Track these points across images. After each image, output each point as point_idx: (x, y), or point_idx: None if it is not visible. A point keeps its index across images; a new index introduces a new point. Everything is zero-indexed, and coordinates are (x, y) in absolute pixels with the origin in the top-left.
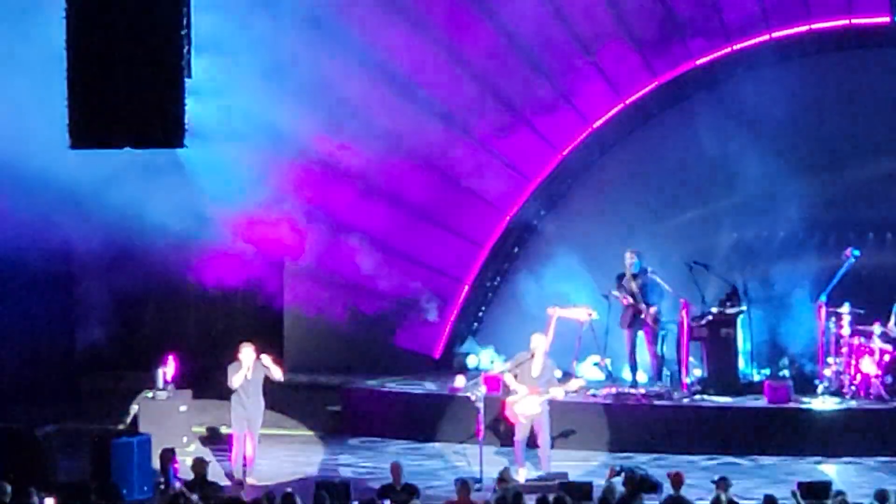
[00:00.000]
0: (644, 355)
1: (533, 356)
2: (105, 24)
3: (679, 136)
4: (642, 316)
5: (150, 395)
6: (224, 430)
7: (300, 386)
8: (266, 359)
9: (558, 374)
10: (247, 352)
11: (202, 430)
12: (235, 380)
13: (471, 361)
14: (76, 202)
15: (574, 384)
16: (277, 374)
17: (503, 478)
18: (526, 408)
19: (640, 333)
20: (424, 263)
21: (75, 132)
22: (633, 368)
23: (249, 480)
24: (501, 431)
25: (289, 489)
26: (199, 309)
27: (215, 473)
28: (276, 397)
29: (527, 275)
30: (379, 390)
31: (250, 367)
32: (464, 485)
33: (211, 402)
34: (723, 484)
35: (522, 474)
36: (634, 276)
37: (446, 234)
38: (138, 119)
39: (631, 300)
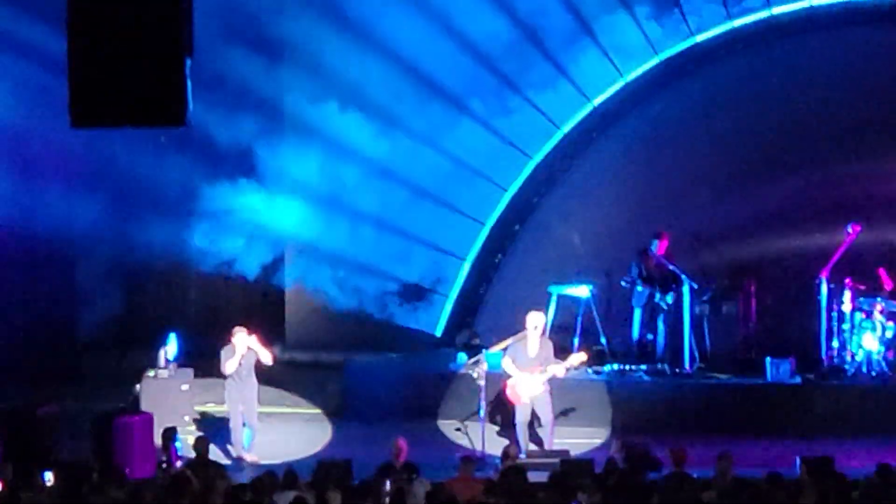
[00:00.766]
0: (650, 334)
1: (530, 335)
2: (106, 1)
3: (682, 112)
4: (656, 298)
5: (152, 374)
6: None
7: (301, 364)
8: (255, 343)
9: (555, 363)
10: (240, 337)
11: (204, 409)
12: (228, 366)
13: (473, 339)
14: (77, 181)
15: (574, 359)
16: (266, 357)
17: (507, 453)
18: (527, 388)
19: (651, 313)
20: (425, 241)
21: (76, 110)
22: (640, 346)
23: (250, 458)
24: (499, 419)
25: (290, 467)
26: (201, 288)
27: (225, 453)
28: (278, 375)
29: (528, 252)
30: (381, 368)
31: (243, 353)
32: (466, 463)
33: (213, 380)
34: (725, 459)
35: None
36: (654, 258)
37: (447, 212)
38: (139, 97)
39: (645, 283)
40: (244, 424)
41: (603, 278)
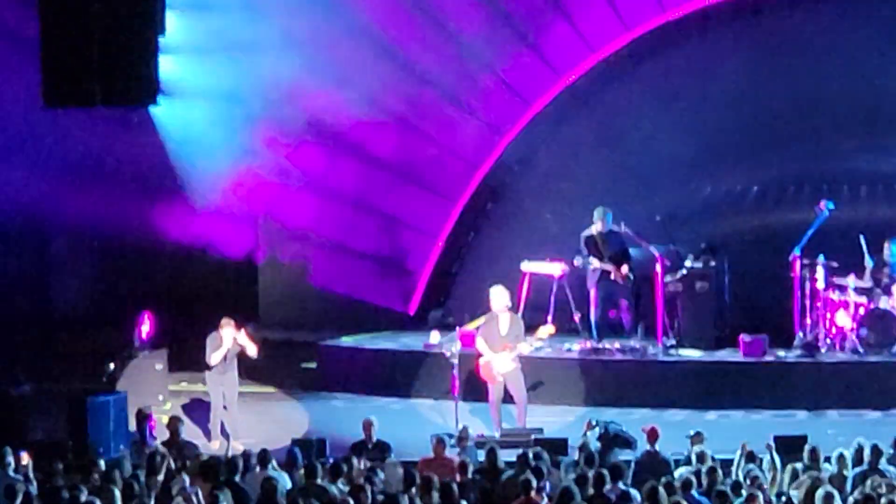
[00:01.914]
0: (612, 312)
1: (499, 314)
2: None
3: (652, 90)
4: (611, 276)
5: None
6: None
7: (275, 343)
8: (243, 336)
9: (524, 342)
10: (227, 331)
11: (179, 387)
12: (214, 357)
13: (433, 338)
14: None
15: (543, 332)
16: (252, 351)
17: (462, 436)
18: (499, 365)
19: (611, 291)
20: (398, 220)
21: (48, 91)
22: (597, 326)
23: (235, 445)
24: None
25: (264, 447)
26: (175, 267)
27: (194, 433)
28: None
29: (500, 230)
30: (354, 347)
31: (229, 346)
32: (439, 442)
33: (187, 359)
34: (697, 438)
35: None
36: (603, 235)
37: (420, 191)
38: (111, 77)
39: (598, 263)
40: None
41: (576, 255)
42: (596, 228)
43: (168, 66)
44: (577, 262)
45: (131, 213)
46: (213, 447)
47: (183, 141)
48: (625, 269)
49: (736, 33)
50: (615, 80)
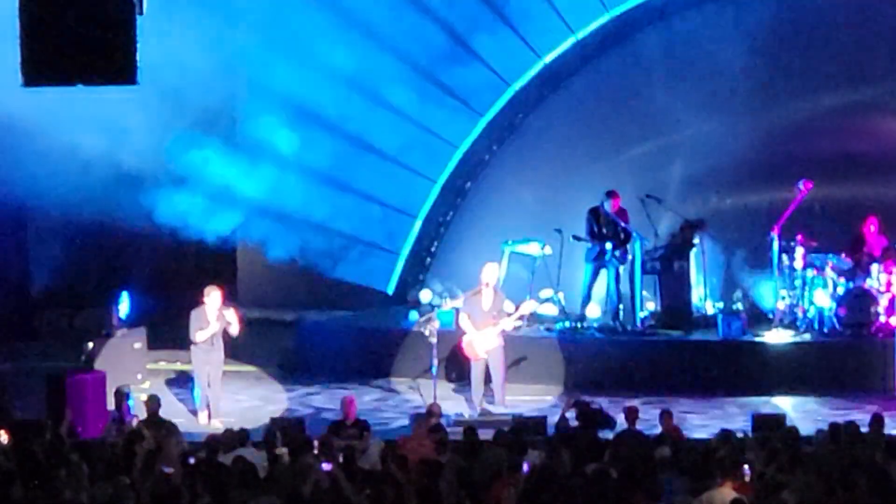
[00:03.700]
0: (601, 291)
1: (483, 289)
2: None
3: (630, 70)
4: (608, 255)
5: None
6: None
7: (253, 322)
8: (230, 313)
9: (510, 307)
10: (214, 296)
11: (158, 367)
12: (199, 335)
13: (424, 296)
14: (28, 141)
15: (525, 308)
16: (235, 329)
17: (431, 411)
18: (482, 342)
19: (604, 270)
20: (376, 199)
21: (27, 70)
22: (585, 303)
23: (215, 423)
24: (454, 376)
25: (244, 426)
26: (153, 246)
27: (177, 412)
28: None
29: (479, 209)
30: (332, 326)
31: (216, 320)
32: (420, 420)
33: (165, 338)
34: (667, 415)
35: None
36: (607, 214)
37: (398, 169)
38: (90, 56)
39: (596, 239)
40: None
41: (554, 235)
42: (601, 209)
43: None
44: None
45: (110, 192)
46: (201, 422)
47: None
48: (619, 251)
49: (707, 13)
50: (594, 60)
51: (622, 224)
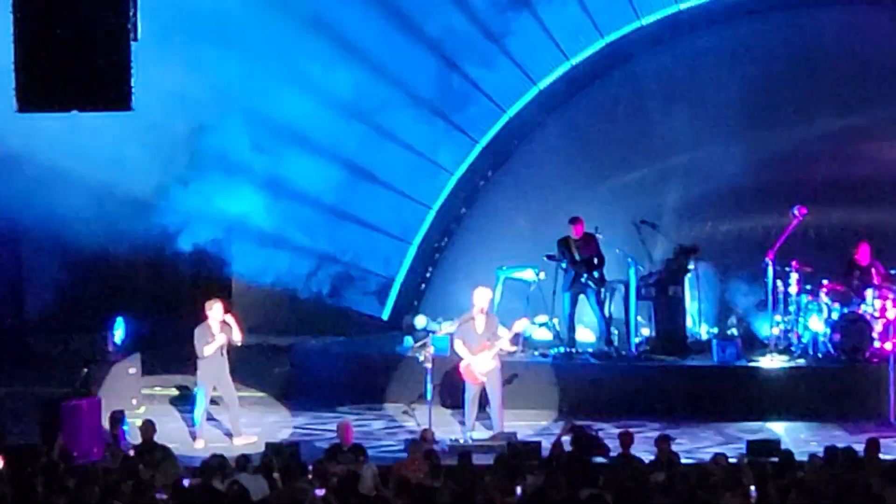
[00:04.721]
0: (590, 317)
1: (476, 313)
2: None
3: (625, 96)
4: (583, 279)
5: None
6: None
7: (249, 347)
8: (232, 320)
9: (503, 331)
10: (216, 308)
11: (152, 391)
12: (207, 349)
13: (419, 322)
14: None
15: (517, 326)
16: (237, 336)
17: (424, 437)
18: (481, 364)
19: (583, 296)
20: (372, 225)
21: (22, 96)
22: (571, 330)
23: (237, 441)
24: (449, 401)
25: (241, 452)
26: (148, 271)
27: (176, 434)
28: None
29: (474, 235)
30: (328, 351)
31: (220, 332)
32: (415, 445)
33: (160, 363)
34: (664, 442)
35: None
36: (578, 241)
37: (393, 195)
38: (85, 82)
39: (571, 265)
40: (212, 403)
41: (548, 261)
42: (571, 234)
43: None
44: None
45: (104, 216)
46: (197, 446)
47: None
48: (595, 274)
49: (703, 38)
50: (589, 85)
51: (593, 245)
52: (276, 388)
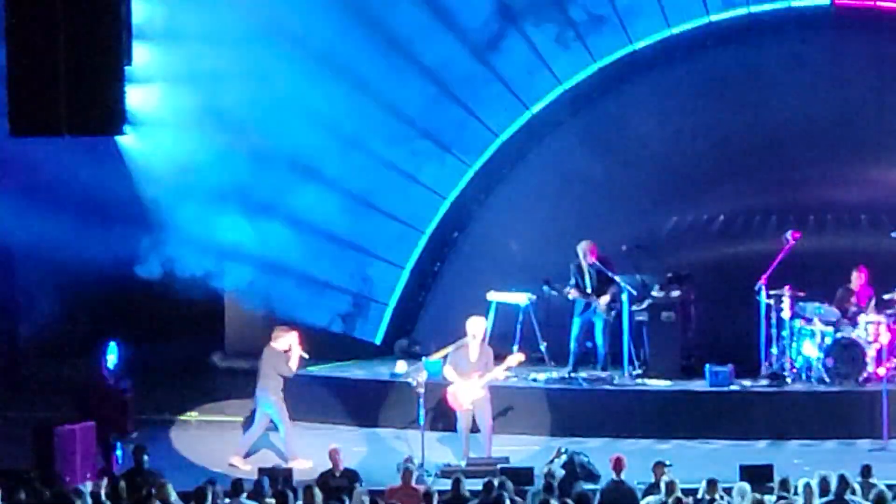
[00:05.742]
0: (589, 342)
1: (470, 342)
2: (44, 11)
3: (618, 120)
4: (593, 306)
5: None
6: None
7: (241, 371)
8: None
9: (497, 369)
10: (289, 337)
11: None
12: (293, 364)
13: (399, 368)
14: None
15: (512, 360)
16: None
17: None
18: (468, 393)
19: (590, 321)
20: (364, 249)
21: (15, 119)
22: (576, 356)
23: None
24: (441, 426)
25: (237, 476)
26: (141, 296)
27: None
28: (217, 383)
29: (467, 260)
30: (320, 376)
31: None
32: (406, 471)
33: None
34: (659, 468)
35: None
36: (588, 266)
37: (386, 220)
38: (78, 106)
39: (578, 292)
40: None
41: (542, 286)
42: (581, 259)
43: (135, 96)
44: (568, 290)
45: (97, 241)
46: (303, 466)
47: (149, 171)
48: (604, 299)
49: (696, 64)
50: (581, 110)
51: (606, 272)
52: None
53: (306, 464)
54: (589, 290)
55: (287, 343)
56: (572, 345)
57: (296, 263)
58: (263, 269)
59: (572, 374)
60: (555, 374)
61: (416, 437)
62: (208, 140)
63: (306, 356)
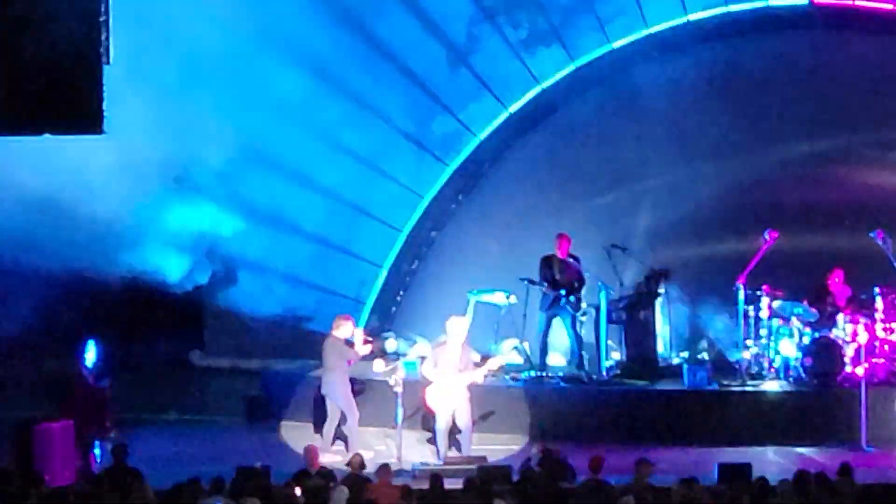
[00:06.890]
0: (564, 339)
1: (449, 341)
2: (22, 9)
3: (596, 119)
4: (562, 302)
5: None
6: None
7: (220, 371)
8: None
9: (476, 357)
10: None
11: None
12: (362, 352)
13: (389, 346)
14: None
15: (493, 363)
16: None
17: (352, 462)
18: (447, 394)
19: (558, 318)
20: (341, 248)
21: None
22: (544, 352)
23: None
24: (420, 425)
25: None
26: (120, 295)
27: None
28: (197, 383)
29: (445, 259)
30: (299, 375)
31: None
32: (384, 469)
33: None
34: (643, 465)
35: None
36: (562, 261)
37: (364, 219)
38: (56, 105)
39: (550, 287)
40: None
41: (520, 284)
42: (556, 253)
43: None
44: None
45: (76, 239)
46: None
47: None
48: (574, 295)
49: (679, 65)
50: (559, 109)
51: (575, 267)
52: (248, 411)
53: (367, 454)
54: (558, 283)
55: (349, 330)
56: (539, 340)
57: (275, 262)
58: (242, 268)
59: (549, 374)
60: (532, 374)
61: (394, 435)
62: (186, 139)
63: (370, 339)
